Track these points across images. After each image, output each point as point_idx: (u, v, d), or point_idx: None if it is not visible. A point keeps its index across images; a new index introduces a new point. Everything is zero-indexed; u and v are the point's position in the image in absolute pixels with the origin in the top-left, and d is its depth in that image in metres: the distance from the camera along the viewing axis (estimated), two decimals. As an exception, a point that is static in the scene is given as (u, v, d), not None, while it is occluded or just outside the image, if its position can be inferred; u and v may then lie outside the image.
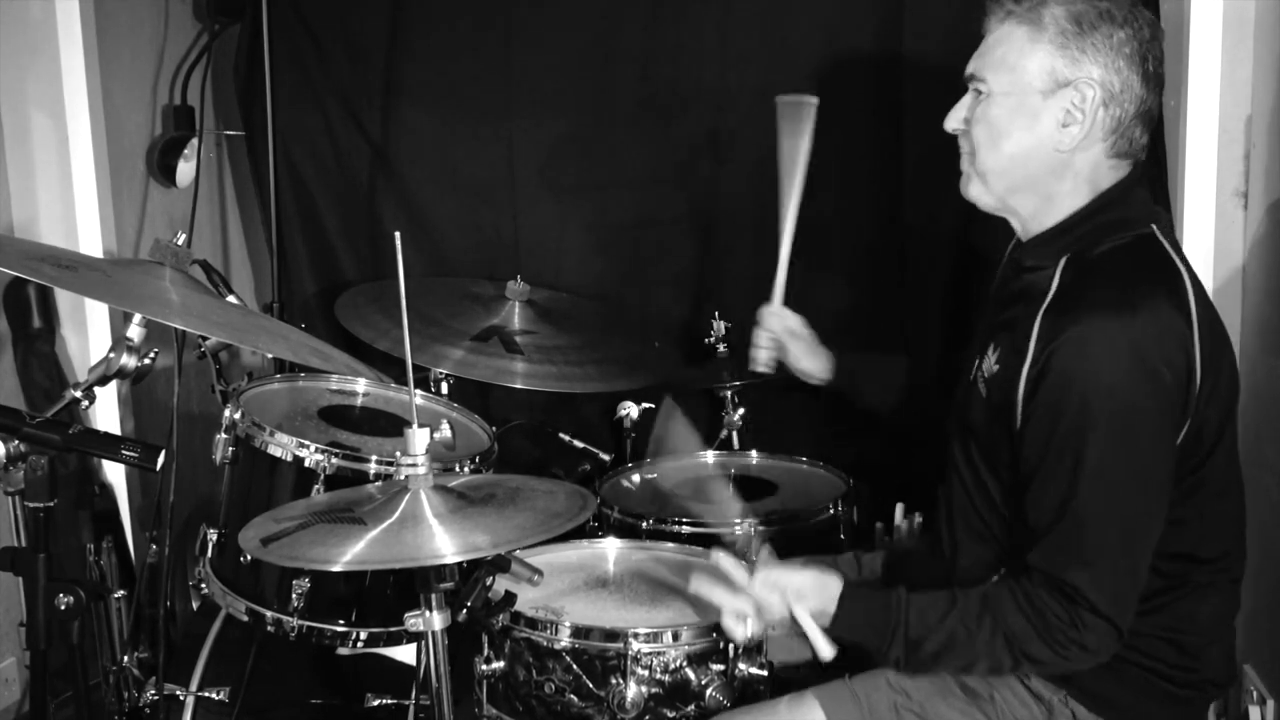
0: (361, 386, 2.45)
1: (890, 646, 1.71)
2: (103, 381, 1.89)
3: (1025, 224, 1.82)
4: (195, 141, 3.31)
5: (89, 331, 3.05)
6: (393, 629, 2.10)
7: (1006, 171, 1.78)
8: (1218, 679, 1.82)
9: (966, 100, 1.82)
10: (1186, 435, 1.68)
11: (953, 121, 1.83)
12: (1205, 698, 1.83)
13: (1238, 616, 1.93)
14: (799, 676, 2.05)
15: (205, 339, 2.30)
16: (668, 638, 1.82)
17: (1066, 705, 1.75)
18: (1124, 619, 1.65)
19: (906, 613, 1.72)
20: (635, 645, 1.80)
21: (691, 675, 1.82)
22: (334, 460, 2.08)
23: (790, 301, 2.35)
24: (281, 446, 2.12)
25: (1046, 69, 1.73)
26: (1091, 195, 1.77)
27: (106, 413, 3.03)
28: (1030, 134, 1.75)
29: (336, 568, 1.54)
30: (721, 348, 2.82)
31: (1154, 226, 1.75)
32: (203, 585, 2.19)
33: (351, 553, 1.56)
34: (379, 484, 2.03)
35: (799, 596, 1.77)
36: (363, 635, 2.09)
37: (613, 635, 1.82)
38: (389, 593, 2.09)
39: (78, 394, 1.86)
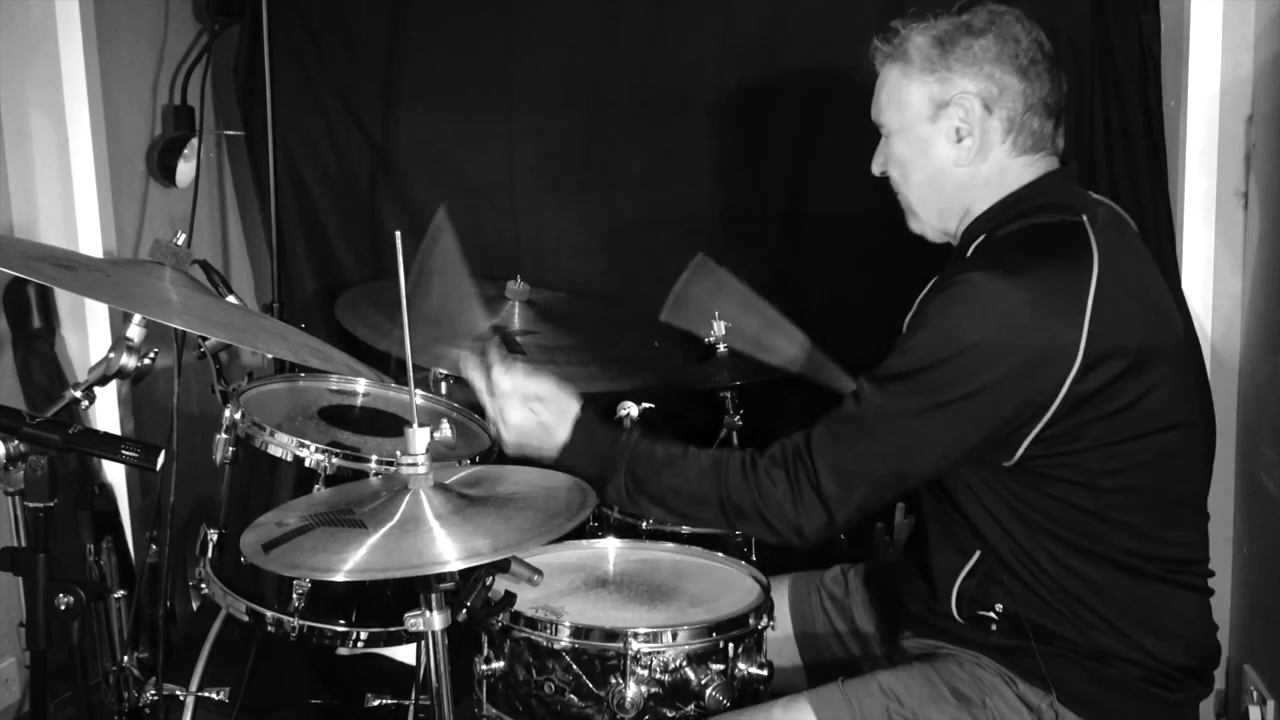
0: (361, 386, 2.45)
1: (612, 479, 1.83)
2: (103, 381, 1.89)
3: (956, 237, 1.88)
4: (195, 141, 3.31)
5: (89, 331, 3.05)
6: (393, 629, 2.09)
7: (925, 200, 1.87)
8: (1199, 679, 1.82)
9: (881, 144, 1.90)
10: (1051, 419, 1.67)
11: (875, 166, 1.91)
12: (1190, 699, 1.82)
13: (1237, 617, 1.93)
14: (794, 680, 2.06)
15: (205, 339, 2.30)
16: (667, 638, 1.82)
17: (1053, 709, 1.75)
18: (841, 512, 1.72)
19: (633, 450, 1.83)
20: (635, 645, 1.80)
21: (691, 675, 1.82)
22: (334, 460, 2.08)
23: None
24: (281, 446, 2.12)
25: (925, 96, 1.81)
26: (1009, 192, 1.81)
27: (106, 413, 3.03)
28: (930, 159, 1.83)
29: (339, 577, 1.55)
30: (721, 348, 2.81)
31: (1085, 218, 1.76)
32: (203, 585, 2.19)
33: (353, 560, 1.56)
34: (379, 478, 2.04)
35: (533, 399, 1.90)
36: (363, 635, 2.09)
37: (612, 635, 1.82)
38: (389, 593, 2.08)
39: (78, 394, 1.86)
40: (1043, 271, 1.68)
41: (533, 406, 1.90)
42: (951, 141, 1.81)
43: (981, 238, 1.81)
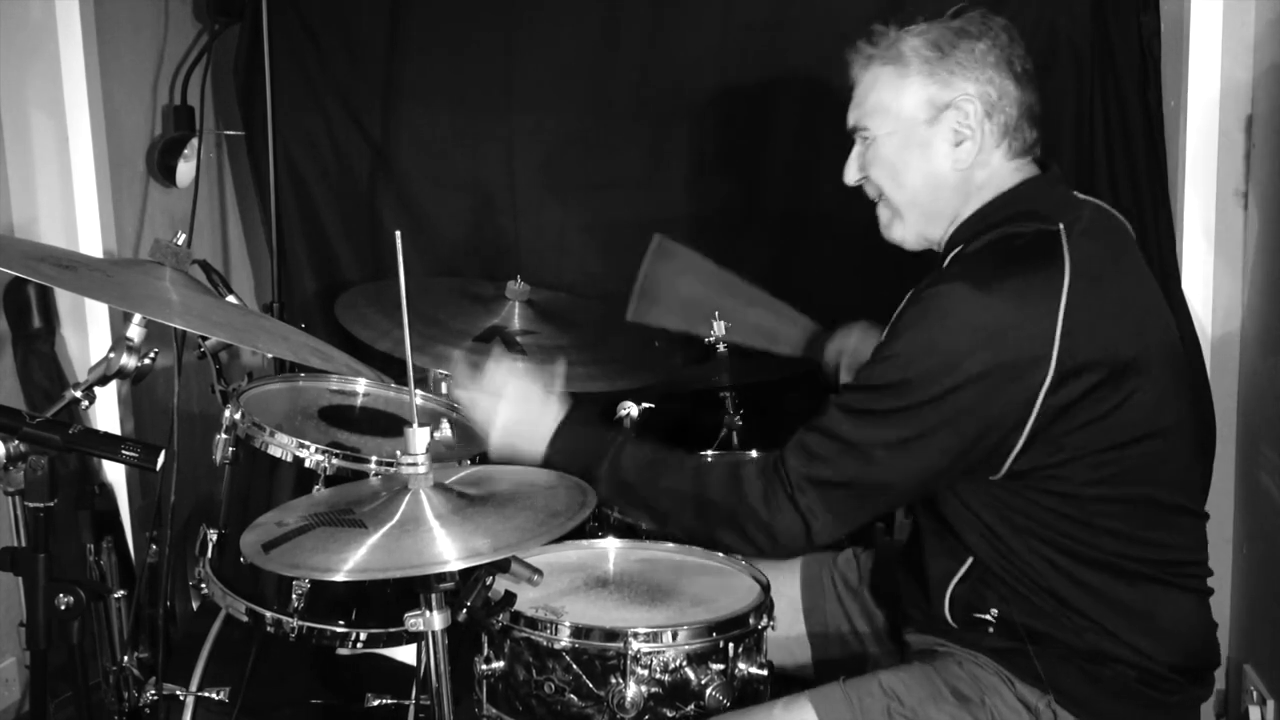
0: (361, 386, 2.45)
1: (596, 474, 1.83)
2: (103, 381, 1.89)
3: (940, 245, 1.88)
4: (195, 141, 3.31)
5: (89, 331, 3.05)
6: (393, 629, 2.09)
7: (915, 201, 1.85)
8: (1196, 681, 1.81)
9: (856, 150, 1.88)
10: (1031, 432, 1.67)
11: (850, 175, 1.89)
12: (1188, 701, 1.82)
13: (1237, 617, 1.93)
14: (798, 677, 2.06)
15: (205, 339, 2.30)
16: (667, 637, 1.82)
17: (1051, 709, 1.75)
18: (816, 523, 1.72)
19: (619, 446, 1.85)
20: (635, 645, 1.80)
21: (691, 675, 1.82)
22: (334, 460, 2.08)
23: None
24: (281, 447, 2.12)
25: (923, 99, 1.79)
26: (991, 198, 1.82)
27: (106, 413, 3.03)
28: (928, 162, 1.82)
29: (339, 577, 1.55)
30: (721, 348, 2.81)
31: (1062, 225, 1.75)
32: (203, 585, 2.19)
33: (353, 560, 1.56)
34: (379, 478, 2.04)
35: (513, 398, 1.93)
36: (363, 635, 2.09)
37: (612, 635, 1.81)
38: (389, 593, 2.08)
39: (78, 394, 1.86)
40: (1012, 283, 1.68)
41: (518, 405, 1.92)
42: (950, 144, 1.80)
43: (959, 248, 1.81)
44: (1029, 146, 1.82)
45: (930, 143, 1.81)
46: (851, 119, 1.88)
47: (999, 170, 1.81)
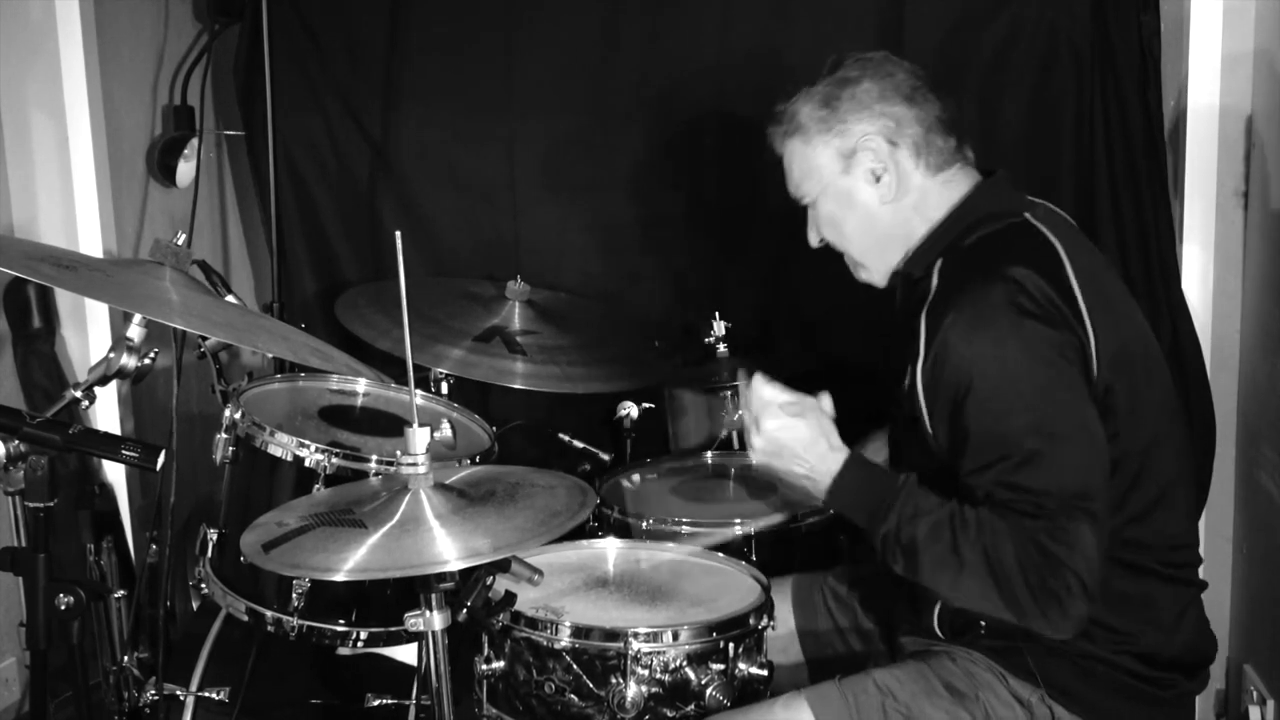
0: (361, 386, 2.45)
1: (885, 520, 1.72)
2: (103, 381, 1.89)
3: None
4: (195, 141, 3.30)
5: (89, 331, 3.05)
6: (393, 629, 2.10)
7: (866, 248, 1.93)
8: (1189, 675, 1.82)
9: (809, 217, 1.96)
10: (1099, 404, 1.68)
11: (813, 240, 1.99)
12: (1181, 696, 1.83)
13: (1237, 617, 1.93)
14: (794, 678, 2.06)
15: (205, 339, 2.30)
16: (668, 637, 1.82)
17: (1044, 703, 1.76)
18: (1094, 582, 1.62)
19: (909, 490, 1.73)
20: (635, 645, 1.80)
21: (691, 675, 1.82)
22: (334, 460, 2.08)
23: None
24: (282, 446, 2.12)
25: (831, 154, 1.88)
26: (945, 210, 1.86)
27: (106, 413, 3.03)
28: (857, 208, 1.89)
29: (339, 577, 1.55)
30: (721, 348, 2.81)
31: (1027, 215, 1.82)
32: (203, 585, 2.19)
33: (353, 560, 1.56)
34: (379, 478, 2.04)
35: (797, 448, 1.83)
36: (363, 635, 2.09)
37: (613, 635, 1.82)
38: (389, 593, 2.09)
39: (78, 394, 1.86)
40: (1023, 264, 1.71)
41: (801, 421, 1.83)
42: (871, 184, 1.87)
43: (939, 261, 1.82)
44: (951, 156, 1.87)
45: (854, 188, 1.88)
46: (791, 193, 1.97)
47: (928, 189, 1.87)
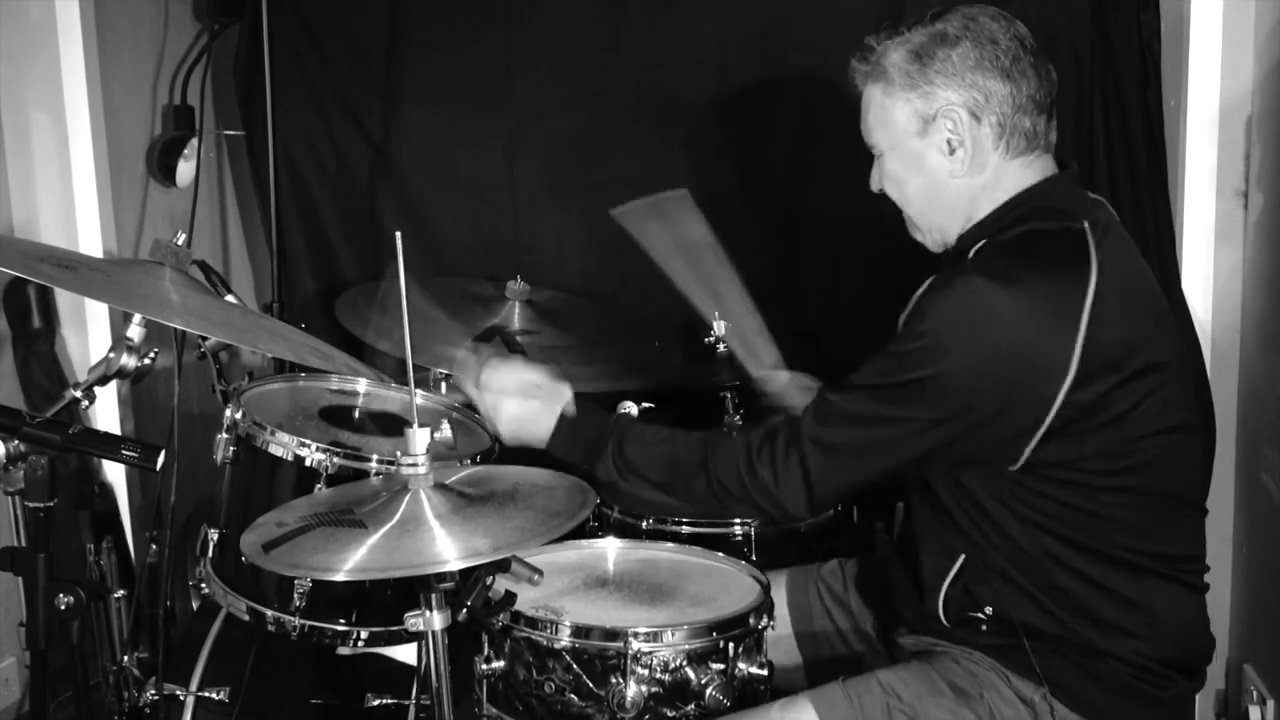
0: (362, 386, 2.45)
1: (601, 458, 1.88)
2: (103, 381, 1.89)
3: None
4: (195, 141, 3.30)
5: (89, 331, 3.05)
6: (393, 629, 2.10)
7: (924, 213, 1.87)
8: (1189, 675, 1.82)
9: (876, 162, 1.90)
10: (1050, 428, 1.67)
11: (874, 183, 1.91)
12: (1181, 695, 1.83)
13: (1237, 617, 1.93)
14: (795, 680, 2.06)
15: (205, 339, 2.30)
16: (668, 637, 1.82)
17: (1047, 701, 1.76)
18: (819, 492, 1.76)
19: (622, 428, 1.89)
20: (635, 645, 1.80)
21: (691, 675, 1.82)
22: (335, 460, 2.08)
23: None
24: (282, 446, 2.12)
25: (910, 113, 1.80)
26: (1012, 194, 1.81)
27: (106, 413, 3.03)
28: (924, 174, 1.83)
29: (340, 577, 1.55)
30: (721, 348, 2.81)
31: (1085, 225, 1.75)
32: (203, 585, 2.19)
33: (353, 560, 1.56)
34: (379, 478, 2.04)
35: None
36: (363, 635, 2.09)
37: (612, 635, 1.82)
38: (389, 592, 2.09)
39: (78, 394, 1.86)
40: (1040, 283, 1.68)
41: (526, 395, 1.94)
42: (944, 154, 1.80)
43: (982, 242, 1.80)
44: (1033, 140, 1.80)
45: (925, 154, 1.81)
46: (862, 134, 1.90)
47: (1002, 171, 1.80)
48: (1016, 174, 1.80)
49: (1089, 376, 1.65)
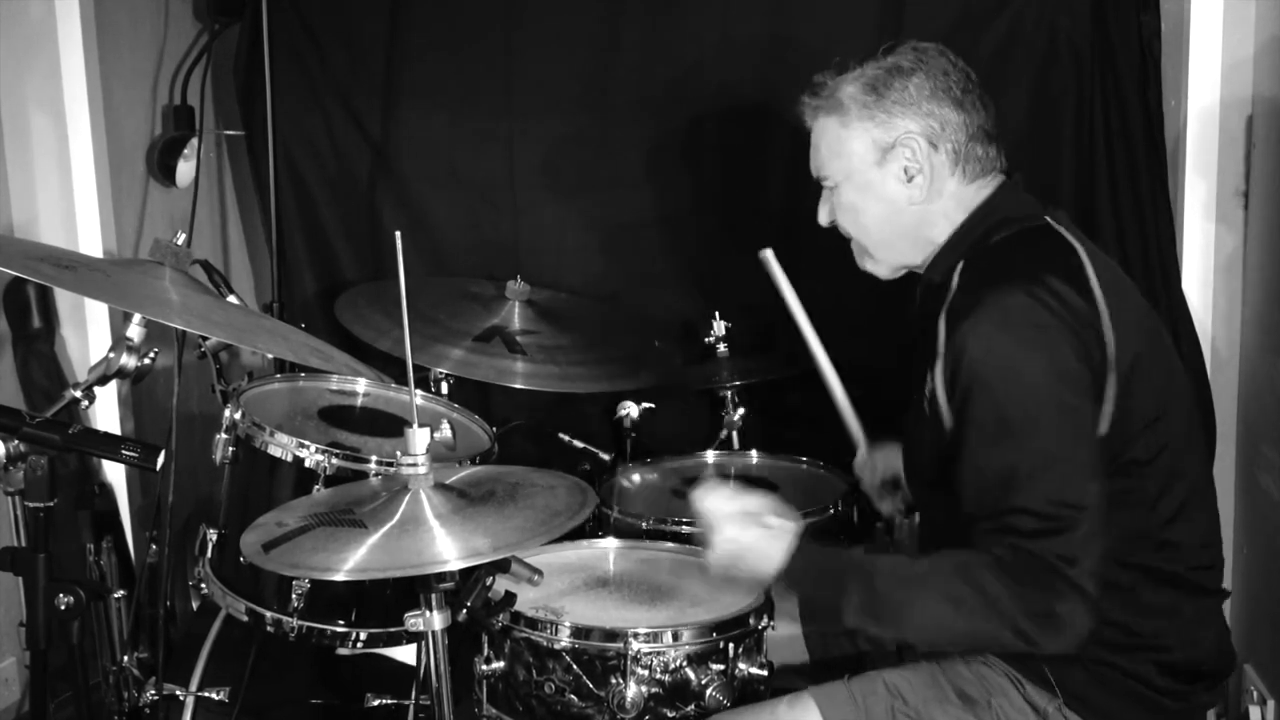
0: (361, 386, 2.45)
1: (846, 596, 1.68)
2: (103, 381, 1.89)
3: (924, 267, 1.88)
4: (195, 141, 3.30)
5: (89, 331, 3.05)
6: (393, 629, 2.09)
7: (880, 242, 1.88)
8: (1207, 686, 1.80)
9: (824, 195, 1.90)
10: (1115, 407, 1.66)
11: (822, 218, 1.92)
12: (1197, 707, 1.81)
13: (1237, 617, 1.92)
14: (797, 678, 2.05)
15: (205, 339, 2.30)
16: (668, 638, 1.82)
17: (1060, 713, 1.74)
18: (1089, 582, 1.60)
19: (868, 564, 1.72)
20: (635, 645, 1.80)
21: (691, 675, 1.82)
22: (334, 460, 2.08)
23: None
24: (281, 446, 2.12)
25: (868, 143, 1.82)
26: (968, 213, 1.82)
27: (106, 413, 3.03)
28: (882, 202, 1.84)
29: (339, 577, 1.55)
30: (721, 348, 2.81)
31: (1048, 219, 1.79)
32: (203, 585, 2.19)
33: (353, 560, 1.56)
34: (379, 479, 2.04)
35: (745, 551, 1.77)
36: (363, 635, 2.09)
37: (613, 635, 1.82)
38: (389, 593, 2.09)
39: (78, 394, 1.86)
40: (1045, 268, 1.69)
41: (747, 526, 1.79)
42: (901, 182, 1.81)
43: (960, 264, 1.79)
44: (986, 165, 1.83)
45: (883, 183, 1.83)
46: (812, 167, 1.91)
47: (960, 195, 1.82)
48: (973, 196, 1.83)
49: (1119, 350, 1.66)
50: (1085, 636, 1.62)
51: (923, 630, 1.70)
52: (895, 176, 1.81)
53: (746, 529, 1.77)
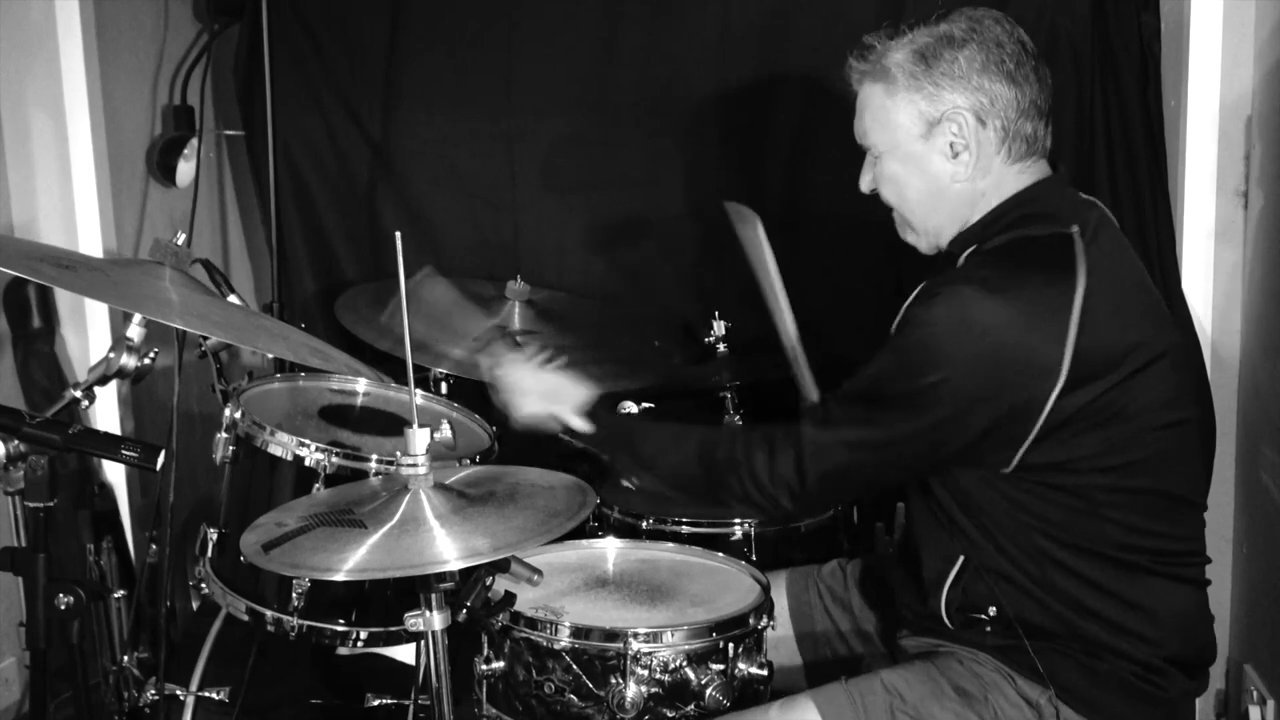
0: (361, 386, 2.45)
1: (619, 451, 1.95)
2: (103, 381, 1.89)
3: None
4: (195, 141, 3.30)
5: (89, 331, 3.05)
6: (393, 629, 2.10)
7: (922, 216, 1.85)
8: (1192, 675, 1.81)
9: (867, 162, 1.87)
10: (1040, 432, 1.67)
11: (864, 185, 1.89)
12: (1184, 695, 1.82)
13: (1237, 617, 1.93)
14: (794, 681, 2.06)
15: (205, 339, 2.30)
16: (667, 638, 1.82)
17: (1052, 704, 1.75)
18: (812, 494, 1.78)
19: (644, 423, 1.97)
20: (635, 645, 1.80)
21: (691, 675, 1.82)
22: (334, 460, 2.08)
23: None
24: (282, 446, 2.12)
25: (914, 115, 1.78)
26: (1007, 196, 1.80)
27: (106, 413, 3.03)
28: (927, 177, 1.80)
29: (339, 577, 1.55)
30: (721, 348, 2.81)
31: (1075, 229, 1.73)
32: (203, 585, 2.19)
33: (353, 560, 1.56)
34: (379, 478, 2.04)
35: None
36: (363, 635, 2.09)
37: (612, 635, 1.82)
38: (389, 593, 2.09)
39: (78, 394, 1.86)
40: (1027, 290, 1.68)
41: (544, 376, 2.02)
42: (947, 158, 1.78)
43: (972, 248, 1.80)
44: (1033, 145, 1.79)
45: (927, 157, 1.79)
46: (856, 133, 1.87)
47: (1003, 175, 1.79)
48: (1014, 179, 1.80)
49: (1080, 380, 1.65)
50: (783, 506, 1.78)
51: (674, 467, 1.91)
52: (940, 151, 1.78)
53: (545, 377, 2.01)
